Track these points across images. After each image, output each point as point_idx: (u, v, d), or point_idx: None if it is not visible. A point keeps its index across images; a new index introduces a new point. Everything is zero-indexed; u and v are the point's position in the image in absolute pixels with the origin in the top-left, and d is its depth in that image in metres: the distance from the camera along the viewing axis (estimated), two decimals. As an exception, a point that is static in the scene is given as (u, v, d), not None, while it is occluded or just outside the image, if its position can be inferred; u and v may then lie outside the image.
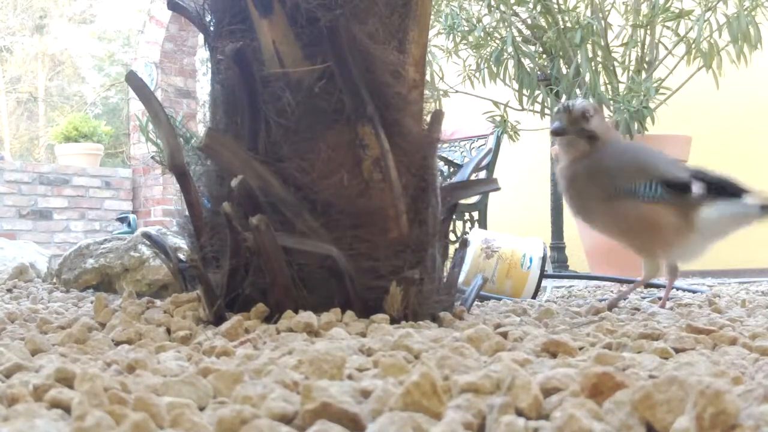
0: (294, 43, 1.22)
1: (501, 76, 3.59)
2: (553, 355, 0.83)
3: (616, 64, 3.51)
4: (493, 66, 3.57)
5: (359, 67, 1.19)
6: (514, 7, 3.54)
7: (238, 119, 1.25)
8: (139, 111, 6.79)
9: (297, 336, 0.99)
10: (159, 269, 1.99)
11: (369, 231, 1.20)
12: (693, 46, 3.37)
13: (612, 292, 2.35)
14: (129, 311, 1.21)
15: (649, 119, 3.29)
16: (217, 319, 1.15)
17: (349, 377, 0.68)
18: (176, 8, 1.36)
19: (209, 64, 1.35)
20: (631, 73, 3.49)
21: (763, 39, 3.31)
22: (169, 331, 1.09)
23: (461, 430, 0.49)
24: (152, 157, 5.39)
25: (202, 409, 0.59)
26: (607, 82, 3.47)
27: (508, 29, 3.48)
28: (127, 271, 2.05)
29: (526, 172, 5.19)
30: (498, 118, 3.65)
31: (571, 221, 3.93)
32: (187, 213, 1.32)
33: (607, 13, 3.57)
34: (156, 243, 1.46)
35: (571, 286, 2.78)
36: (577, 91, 3.33)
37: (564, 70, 3.45)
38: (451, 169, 3.70)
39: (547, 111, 3.50)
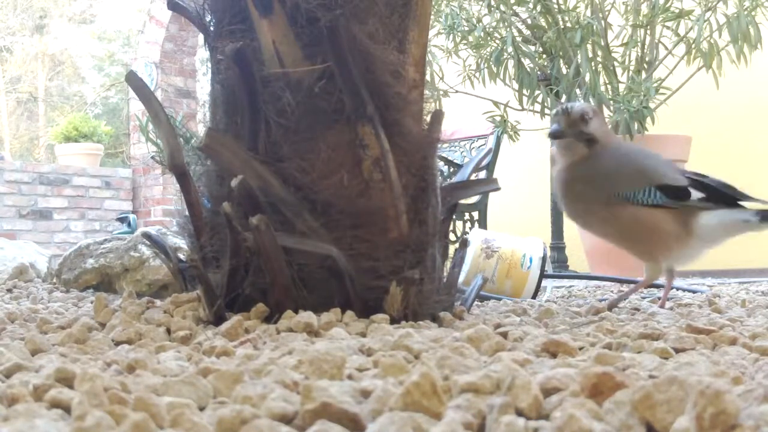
0: (294, 43, 1.22)
1: (501, 76, 3.59)
2: (553, 355, 0.83)
3: (616, 64, 3.51)
4: (493, 66, 3.57)
5: (359, 67, 1.19)
6: (514, 7, 3.54)
7: (238, 119, 1.25)
8: (139, 111, 6.79)
9: (297, 336, 0.99)
10: (159, 269, 1.99)
11: (369, 231, 1.21)
12: (693, 46, 3.37)
13: (612, 292, 2.35)
14: (129, 311, 1.21)
15: (649, 119, 3.30)
16: (217, 319, 1.15)
17: (349, 377, 0.68)
18: (176, 8, 1.36)
19: (209, 64, 1.35)
20: (631, 73, 3.49)
21: (763, 39, 3.31)
22: (169, 331, 1.09)
23: (461, 430, 0.49)
24: (152, 157, 5.40)
25: (202, 409, 0.59)
26: (607, 82, 3.47)
27: (508, 29, 3.48)
28: (127, 271, 2.05)
29: (526, 172, 5.19)
30: (498, 118, 3.65)
31: (571, 221, 3.93)
32: (187, 213, 1.32)
33: (607, 13, 3.57)
34: (156, 243, 1.46)
35: (571, 286, 2.78)
36: (577, 91, 3.33)
37: (564, 70, 3.45)
38: (451, 169, 3.70)
39: (547, 111, 3.50)
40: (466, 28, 3.59)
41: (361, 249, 1.19)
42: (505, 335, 0.98)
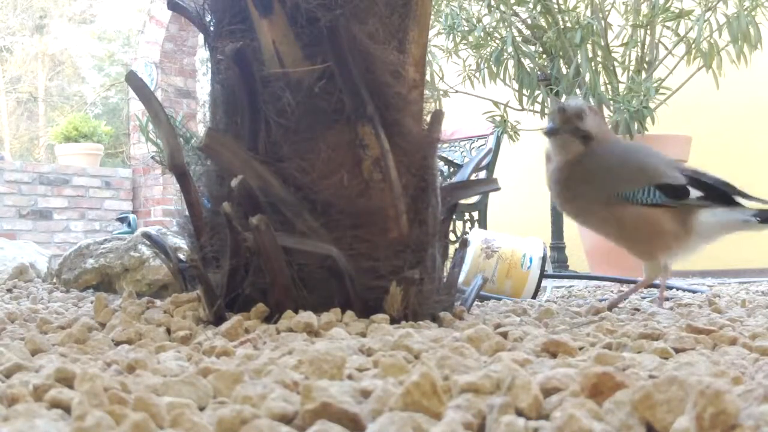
0: (294, 43, 1.22)
1: (501, 76, 3.59)
2: (553, 355, 0.83)
3: (616, 64, 3.51)
4: (493, 66, 3.57)
5: (359, 67, 1.19)
6: (514, 7, 3.54)
7: (238, 119, 1.25)
8: (139, 111, 6.79)
9: (297, 336, 0.99)
10: (159, 269, 1.99)
11: (369, 231, 1.21)
12: (693, 46, 3.37)
13: (612, 292, 2.35)
14: (129, 311, 1.21)
15: (649, 119, 3.30)
16: (217, 319, 1.15)
17: (349, 377, 0.68)
18: (176, 8, 1.36)
19: (209, 64, 1.35)
20: (631, 73, 3.49)
21: (763, 39, 3.31)
22: (169, 331, 1.09)
23: (461, 430, 0.49)
24: (152, 157, 5.40)
25: (202, 409, 0.59)
26: (607, 82, 3.47)
27: (508, 29, 3.48)
28: (127, 271, 2.05)
29: (526, 172, 5.19)
30: (498, 118, 3.65)
31: (571, 221, 3.93)
32: (187, 213, 1.32)
33: (607, 13, 3.57)
34: (156, 243, 1.46)
35: (571, 286, 2.78)
36: (577, 91, 3.33)
37: (564, 70, 3.45)
38: (451, 169, 3.70)
39: (547, 111, 3.50)
40: (466, 28, 3.59)
41: (361, 249, 1.19)
42: (505, 335, 0.98)
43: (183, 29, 7.18)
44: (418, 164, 1.27)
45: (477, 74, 3.70)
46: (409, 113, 1.27)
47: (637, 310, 1.53)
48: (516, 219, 4.98)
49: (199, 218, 1.30)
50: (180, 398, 0.59)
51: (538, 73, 3.56)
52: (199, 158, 1.32)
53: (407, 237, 1.23)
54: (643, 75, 3.50)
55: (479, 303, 1.66)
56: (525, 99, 3.56)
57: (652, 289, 2.29)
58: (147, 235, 1.55)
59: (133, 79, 1.35)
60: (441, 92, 3.74)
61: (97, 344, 0.94)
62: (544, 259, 1.99)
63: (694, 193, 1.44)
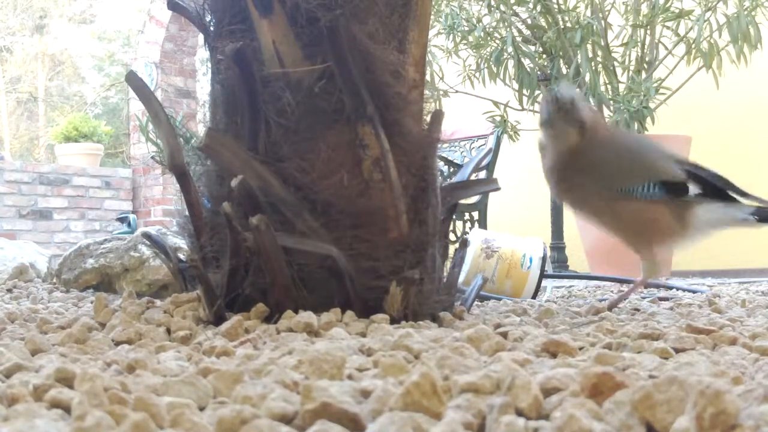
0: (294, 43, 1.22)
1: (501, 76, 3.60)
2: (553, 355, 0.83)
3: (616, 64, 3.51)
4: (493, 66, 3.57)
5: (359, 67, 1.19)
6: (514, 7, 3.54)
7: (238, 119, 1.25)
8: (139, 111, 6.79)
9: (297, 336, 0.99)
10: (159, 269, 1.99)
11: (369, 231, 1.21)
12: (693, 46, 3.37)
13: (612, 292, 2.35)
14: (129, 311, 1.21)
15: (649, 119, 3.30)
16: (217, 319, 1.15)
17: (349, 377, 0.68)
18: (176, 8, 1.36)
19: (209, 64, 1.35)
20: (631, 73, 3.49)
21: (763, 39, 3.31)
22: (169, 331, 1.09)
23: (461, 430, 0.49)
24: (152, 157, 5.40)
25: (202, 409, 0.59)
26: (607, 82, 3.47)
27: (508, 29, 3.48)
28: (127, 271, 2.05)
29: (526, 172, 5.18)
30: (498, 118, 3.65)
31: (571, 221, 3.94)
32: (187, 213, 1.32)
33: (607, 13, 3.57)
34: (156, 243, 1.46)
35: (571, 286, 2.78)
36: (578, 91, 3.33)
37: (564, 70, 3.45)
38: (451, 169, 3.70)
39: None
40: (466, 28, 3.59)
41: (361, 249, 1.19)
42: (505, 335, 0.98)
43: (183, 29, 7.18)
44: (418, 164, 1.27)
45: (477, 74, 3.71)
46: (409, 113, 1.27)
47: (637, 310, 1.53)
48: (516, 219, 4.98)
49: (199, 218, 1.30)
50: (180, 398, 0.59)
51: (538, 73, 3.56)
52: (199, 158, 1.32)
53: (407, 237, 1.23)
54: (643, 75, 3.50)
55: (479, 303, 1.66)
56: (525, 99, 3.57)
57: (652, 289, 2.30)
58: (147, 235, 1.55)
59: (133, 79, 1.35)
60: (441, 92, 3.75)
61: (97, 344, 0.94)
62: (544, 259, 1.99)
63: (693, 189, 1.44)
